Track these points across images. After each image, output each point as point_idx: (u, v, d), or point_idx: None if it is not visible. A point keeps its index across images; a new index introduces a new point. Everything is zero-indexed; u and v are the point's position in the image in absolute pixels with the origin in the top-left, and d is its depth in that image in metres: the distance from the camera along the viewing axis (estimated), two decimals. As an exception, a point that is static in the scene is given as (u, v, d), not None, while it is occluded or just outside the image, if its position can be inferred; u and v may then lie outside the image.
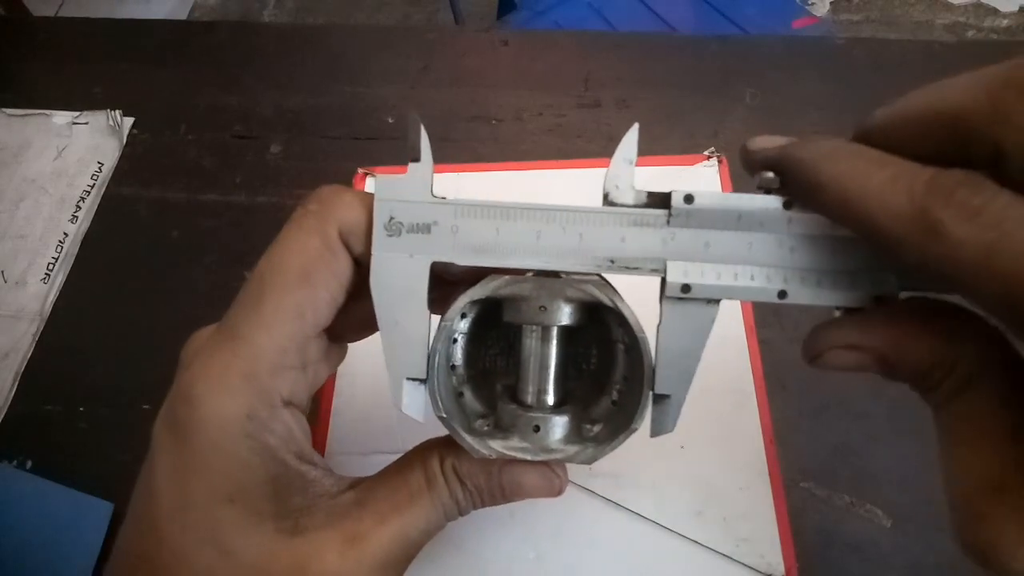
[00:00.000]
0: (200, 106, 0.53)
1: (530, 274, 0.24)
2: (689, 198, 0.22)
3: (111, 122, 0.52)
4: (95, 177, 0.50)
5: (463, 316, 0.27)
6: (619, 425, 0.24)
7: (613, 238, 0.22)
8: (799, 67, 0.51)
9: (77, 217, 0.48)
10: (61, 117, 0.53)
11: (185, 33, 0.59)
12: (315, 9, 1.86)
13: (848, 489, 0.36)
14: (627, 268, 0.22)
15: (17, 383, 0.42)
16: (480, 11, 1.39)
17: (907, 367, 0.20)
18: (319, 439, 0.37)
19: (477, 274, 0.24)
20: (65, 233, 0.47)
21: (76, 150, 0.51)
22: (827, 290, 0.22)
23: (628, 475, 0.36)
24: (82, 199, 0.49)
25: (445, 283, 0.25)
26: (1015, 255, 0.15)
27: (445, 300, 0.24)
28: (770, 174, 0.21)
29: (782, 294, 0.22)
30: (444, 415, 0.24)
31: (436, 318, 0.24)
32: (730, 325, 0.40)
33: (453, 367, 0.27)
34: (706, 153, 0.46)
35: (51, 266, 0.46)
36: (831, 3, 1.68)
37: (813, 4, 1.64)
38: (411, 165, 0.23)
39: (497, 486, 0.25)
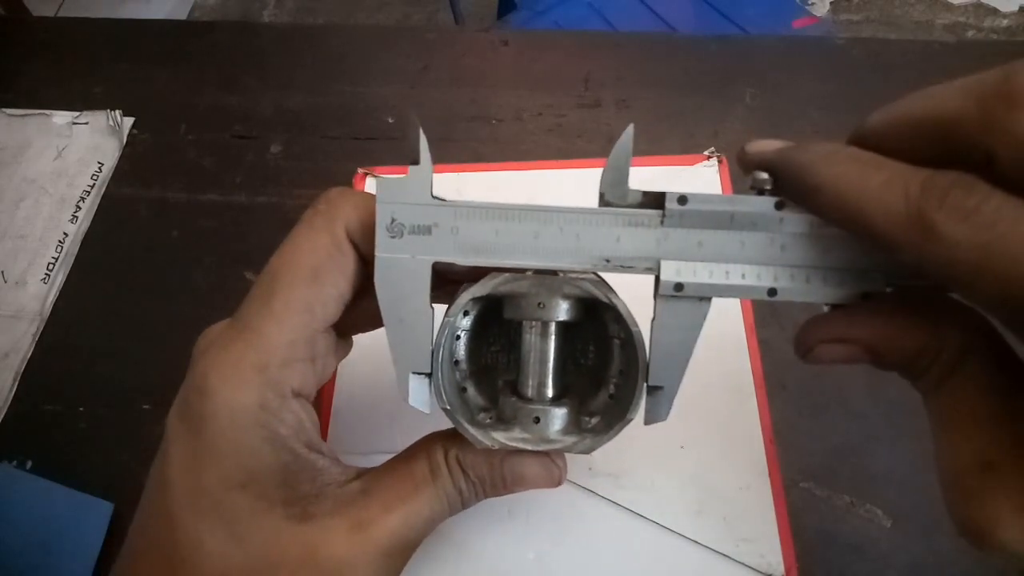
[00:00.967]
0: (200, 106, 0.53)
1: (529, 272, 0.25)
2: (683, 199, 0.23)
3: (111, 122, 0.52)
4: (95, 177, 0.50)
5: (465, 313, 0.27)
6: (615, 417, 0.25)
7: (609, 238, 0.23)
8: (799, 67, 0.51)
9: (77, 217, 0.48)
10: (61, 117, 0.53)
11: (185, 33, 0.59)
12: (315, 9, 1.86)
13: (848, 489, 0.36)
14: (622, 267, 0.23)
15: (17, 383, 0.42)
16: (480, 11, 1.39)
17: (895, 356, 0.21)
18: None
19: (479, 273, 0.25)
20: (65, 233, 0.47)
21: (76, 150, 0.51)
22: (816, 287, 0.22)
23: (628, 475, 0.36)
24: (82, 199, 0.49)
25: (448, 281, 0.25)
26: (1009, 254, 0.16)
27: (448, 297, 0.25)
28: (763, 174, 0.22)
29: (772, 292, 0.23)
30: (448, 407, 0.25)
31: (439, 315, 0.25)
32: (730, 325, 0.40)
33: (456, 362, 0.28)
34: (706, 153, 0.46)
35: (51, 266, 0.46)
36: (831, 3, 1.68)
37: (813, 4, 1.64)
38: (411, 168, 0.23)
39: (499, 476, 0.26)
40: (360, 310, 0.26)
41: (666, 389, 0.24)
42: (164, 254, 0.46)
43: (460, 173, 0.47)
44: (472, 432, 0.25)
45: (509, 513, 0.35)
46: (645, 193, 0.23)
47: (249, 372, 0.23)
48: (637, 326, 0.25)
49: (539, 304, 0.25)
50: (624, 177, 0.23)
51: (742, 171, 0.24)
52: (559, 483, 0.27)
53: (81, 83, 0.54)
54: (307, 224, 0.24)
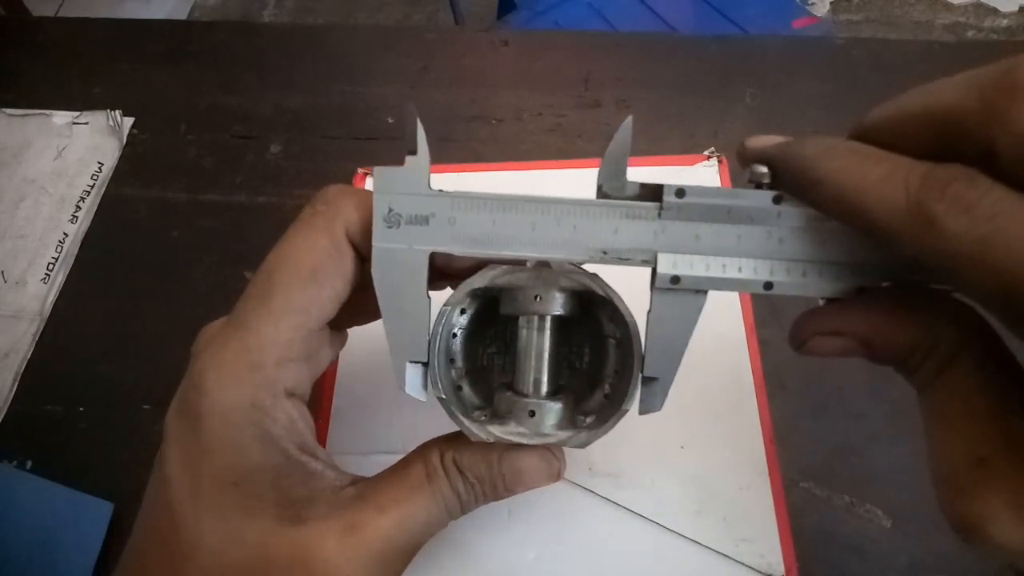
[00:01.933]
0: (200, 106, 0.53)
1: (528, 265, 0.25)
2: (680, 192, 0.23)
3: (111, 122, 0.52)
4: (95, 177, 0.50)
5: (462, 311, 0.28)
6: (611, 414, 0.25)
7: (606, 230, 0.23)
8: (799, 67, 0.51)
9: (77, 217, 0.48)
10: (61, 117, 0.53)
11: (185, 33, 0.59)
12: (315, 9, 1.86)
13: (848, 489, 0.36)
14: (619, 259, 0.23)
15: (17, 383, 0.42)
16: (480, 11, 1.39)
17: (889, 350, 0.21)
18: (319, 439, 0.37)
19: (476, 268, 0.25)
20: (65, 233, 0.47)
21: (76, 150, 0.51)
22: (813, 281, 0.22)
23: (628, 475, 0.36)
24: (82, 199, 0.49)
25: (446, 276, 0.26)
26: (1008, 248, 0.16)
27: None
28: (762, 168, 0.22)
29: (768, 285, 0.23)
30: (443, 396, 0.25)
31: (436, 306, 0.25)
32: (730, 325, 0.40)
33: (452, 361, 0.28)
34: (706, 153, 0.46)
35: (51, 266, 0.46)
36: (831, 3, 1.68)
37: (813, 4, 1.64)
38: (408, 158, 0.23)
39: (498, 474, 0.26)
40: (357, 304, 0.26)
41: (661, 380, 0.24)
42: (164, 254, 0.46)
43: (460, 173, 0.47)
44: (467, 424, 0.25)
45: (509, 513, 0.35)
46: (643, 185, 0.23)
47: (244, 371, 0.23)
48: (633, 318, 0.25)
49: (536, 297, 0.25)
50: (622, 169, 0.23)
51: (741, 165, 0.24)
52: (558, 477, 0.27)
53: (81, 83, 0.54)
54: (306, 224, 0.24)
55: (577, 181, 0.46)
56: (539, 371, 0.26)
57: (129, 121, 0.52)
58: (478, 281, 0.25)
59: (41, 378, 0.42)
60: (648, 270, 0.23)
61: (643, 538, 0.35)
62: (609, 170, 0.24)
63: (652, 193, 0.23)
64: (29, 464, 0.39)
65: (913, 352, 0.20)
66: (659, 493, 0.36)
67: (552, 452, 0.27)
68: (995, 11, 1.64)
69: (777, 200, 0.22)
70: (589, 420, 0.27)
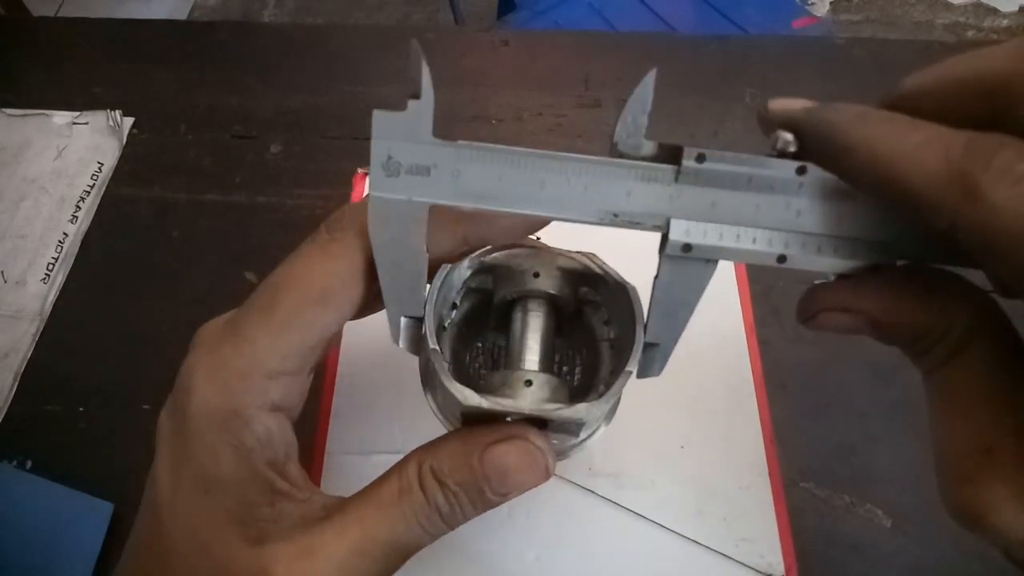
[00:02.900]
0: (200, 106, 0.53)
1: (533, 238, 0.25)
2: (701, 157, 0.21)
3: (111, 122, 0.52)
4: (95, 177, 0.50)
5: (454, 306, 0.27)
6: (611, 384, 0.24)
7: (619, 192, 0.22)
8: (799, 67, 0.51)
9: (77, 217, 0.48)
10: (61, 117, 0.53)
11: (185, 33, 0.59)
12: (315, 9, 1.86)
13: (848, 489, 0.36)
14: (630, 223, 0.22)
15: (17, 383, 0.42)
16: (480, 11, 1.39)
17: (899, 331, 0.20)
18: (319, 439, 0.37)
19: (461, 256, 0.25)
20: (65, 233, 0.47)
21: (76, 150, 0.51)
22: (827, 257, 0.22)
23: (628, 475, 0.36)
24: (82, 199, 0.49)
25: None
26: None
27: None
28: (788, 135, 0.21)
29: (782, 258, 0.22)
30: (436, 347, 0.23)
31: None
32: (730, 325, 0.40)
33: (444, 328, 0.27)
34: (706, 153, 0.46)
35: (51, 266, 0.46)
36: (831, 3, 1.68)
37: (813, 4, 1.64)
38: (411, 102, 0.22)
39: (481, 477, 0.23)
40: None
41: (662, 346, 0.23)
42: (164, 254, 0.46)
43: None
44: (455, 385, 0.22)
45: (509, 514, 0.35)
46: (661, 145, 0.22)
47: (232, 377, 0.22)
48: (632, 285, 0.24)
49: (534, 274, 0.24)
50: (641, 128, 0.22)
51: (763, 131, 0.22)
52: (548, 474, 0.25)
53: (81, 83, 0.54)
54: (321, 248, 0.23)
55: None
56: (535, 345, 0.25)
57: (129, 121, 0.52)
58: (482, 254, 0.25)
59: (41, 378, 0.42)
60: (648, 244, 0.23)
61: (643, 538, 0.35)
62: (626, 127, 0.22)
63: (670, 155, 0.22)
64: (29, 464, 0.39)
65: (924, 335, 0.20)
66: (659, 493, 0.36)
67: (537, 447, 0.24)
68: (995, 11, 1.64)
69: (801, 171, 0.21)
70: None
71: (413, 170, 0.22)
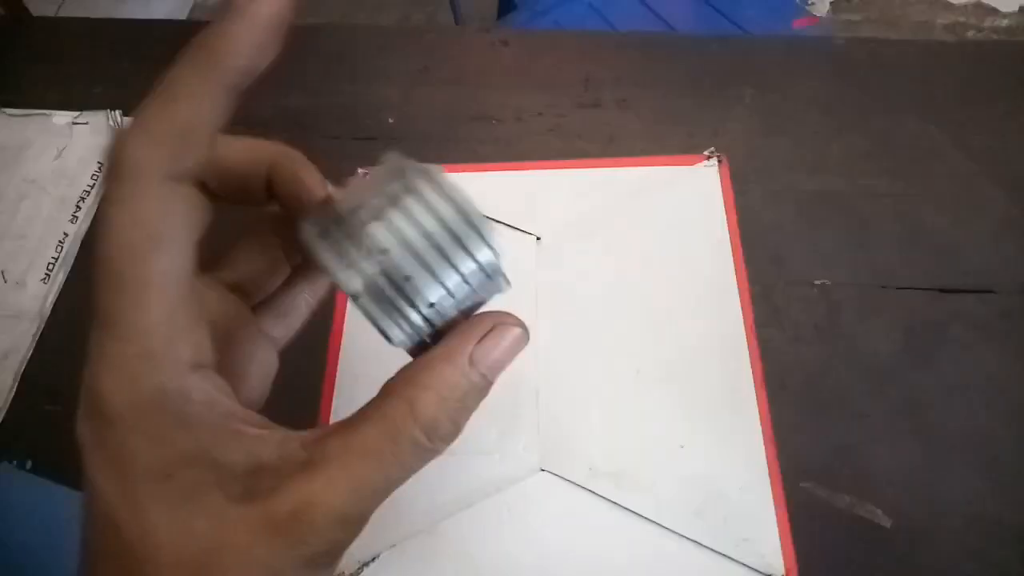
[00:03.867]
0: (200, 106, 0.53)
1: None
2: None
3: (111, 122, 0.52)
4: (95, 177, 0.50)
5: None
6: None
7: None
8: (799, 67, 0.51)
9: (77, 217, 0.48)
10: (61, 117, 0.53)
11: (185, 33, 0.58)
12: (315, 9, 1.86)
13: (848, 489, 0.36)
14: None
15: (17, 383, 0.42)
16: (480, 11, 1.39)
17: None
18: (319, 439, 0.37)
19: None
20: (65, 233, 0.47)
21: (76, 150, 0.51)
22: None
23: (628, 475, 0.36)
24: (82, 199, 0.49)
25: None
26: None
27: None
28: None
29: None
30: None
31: None
32: (730, 325, 0.40)
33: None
34: (706, 153, 0.46)
35: (51, 266, 0.46)
36: (831, 3, 1.68)
37: (813, 4, 1.64)
38: None
39: (479, 380, 0.23)
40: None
41: None
42: (164, 254, 0.46)
43: (460, 173, 0.47)
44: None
45: (509, 513, 0.35)
46: None
47: (135, 364, 0.21)
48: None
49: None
50: None
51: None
52: (527, 334, 0.23)
53: (81, 83, 0.54)
54: (115, 201, 0.21)
55: (577, 181, 0.46)
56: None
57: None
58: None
59: (41, 378, 0.42)
60: None
61: (643, 538, 0.35)
62: None
63: None
64: (29, 464, 0.39)
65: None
66: (659, 493, 0.36)
67: (508, 314, 0.23)
68: (995, 11, 1.64)
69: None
70: None
71: None
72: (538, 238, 0.44)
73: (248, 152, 0.27)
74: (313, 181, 0.27)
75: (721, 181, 0.45)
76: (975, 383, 0.38)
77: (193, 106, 0.22)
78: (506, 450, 0.37)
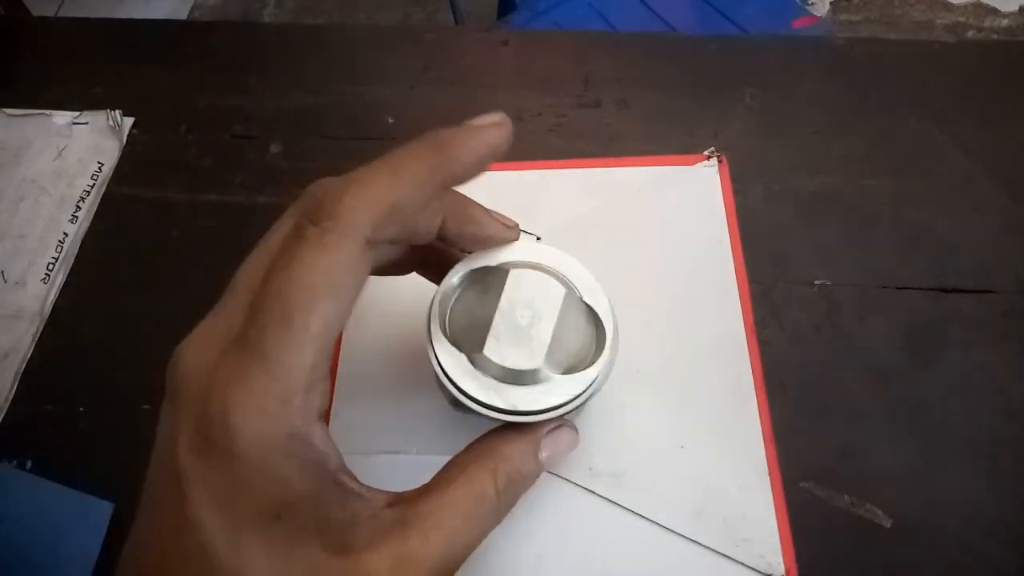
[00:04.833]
0: (200, 106, 0.53)
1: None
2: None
3: (111, 122, 0.52)
4: (95, 177, 0.50)
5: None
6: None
7: None
8: (799, 67, 0.51)
9: (77, 217, 0.48)
10: (61, 117, 0.53)
11: (185, 33, 0.59)
12: (315, 9, 1.86)
13: (848, 489, 0.36)
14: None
15: (17, 383, 0.42)
16: (480, 11, 1.39)
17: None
18: (319, 439, 0.37)
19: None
20: (65, 233, 0.47)
21: (76, 150, 0.51)
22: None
23: (628, 475, 0.36)
24: (82, 199, 0.49)
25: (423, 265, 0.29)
26: None
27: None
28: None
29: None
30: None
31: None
32: (730, 325, 0.40)
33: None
34: (706, 153, 0.46)
35: (51, 266, 0.46)
36: (831, 3, 1.68)
37: (813, 4, 1.64)
38: None
39: (545, 466, 0.28)
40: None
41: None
42: (164, 254, 0.46)
43: (460, 173, 0.47)
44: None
45: (509, 513, 0.35)
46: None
47: (275, 405, 0.22)
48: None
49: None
50: None
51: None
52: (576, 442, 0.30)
53: (81, 83, 0.54)
54: (318, 244, 0.23)
55: (577, 181, 0.46)
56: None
57: (129, 121, 0.52)
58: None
59: (41, 378, 0.42)
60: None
61: (643, 538, 0.35)
62: None
63: None
64: (29, 464, 0.39)
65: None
66: (659, 493, 0.36)
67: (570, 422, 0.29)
68: (995, 11, 1.64)
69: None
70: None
71: None
72: (538, 238, 0.44)
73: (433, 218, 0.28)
74: (490, 224, 0.31)
75: (721, 181, 0.45)
76: (975, 383, 0.38)
77: (415, 191, 0.25)
78: (506, 450, 0.37)
